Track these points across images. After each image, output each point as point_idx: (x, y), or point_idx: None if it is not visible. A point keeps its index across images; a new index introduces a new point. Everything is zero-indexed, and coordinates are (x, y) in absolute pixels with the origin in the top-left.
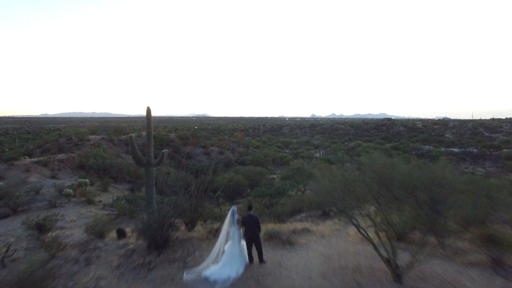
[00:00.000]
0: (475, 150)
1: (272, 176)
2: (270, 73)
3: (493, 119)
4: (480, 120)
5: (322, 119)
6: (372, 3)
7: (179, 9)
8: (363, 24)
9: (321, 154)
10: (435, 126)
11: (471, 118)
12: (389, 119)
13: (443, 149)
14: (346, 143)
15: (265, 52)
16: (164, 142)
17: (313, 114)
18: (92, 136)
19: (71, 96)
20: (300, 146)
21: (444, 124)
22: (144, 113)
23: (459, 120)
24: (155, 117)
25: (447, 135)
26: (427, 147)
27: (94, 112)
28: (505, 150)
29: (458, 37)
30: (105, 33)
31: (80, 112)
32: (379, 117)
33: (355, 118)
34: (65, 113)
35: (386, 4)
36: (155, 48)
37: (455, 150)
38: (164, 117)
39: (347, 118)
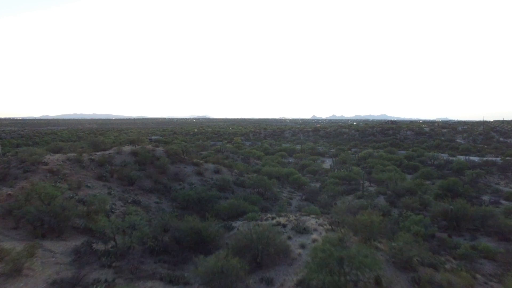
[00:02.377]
0: (498, 159)
1: (282, 222)
2: (271, 74)
3: (502, 122)
4: (486, 122)
5: (323, 120)
6: (373, 3)
7: (180, 10)
8: (363, 25)
9: (331, 166)
10: (443, 130)
11: (481, 120)
12: (393, 122)
13: (462, 158)
14: (353, 149)
15: (266, 53)
16: (148, 161)
17: (313, 115)
18: (55, 156)
19: (72, 97)
20: (305, 155)
21: (453, 127)
22: (145, 114)
23: (463, 122)
24: (155, 119)
25: (458, 140)
26: (442, 155)
27: (95, 114)
28: None
29: (460, 35)
30: (106, 34)
31: (81, 114)
32: (380, 118)
33: (356, 119)
34: (66, 114)
35: (387, 4)
36: (156, 49)
37: (475, 159)
38: (165, 118)
39: (348, 119)
